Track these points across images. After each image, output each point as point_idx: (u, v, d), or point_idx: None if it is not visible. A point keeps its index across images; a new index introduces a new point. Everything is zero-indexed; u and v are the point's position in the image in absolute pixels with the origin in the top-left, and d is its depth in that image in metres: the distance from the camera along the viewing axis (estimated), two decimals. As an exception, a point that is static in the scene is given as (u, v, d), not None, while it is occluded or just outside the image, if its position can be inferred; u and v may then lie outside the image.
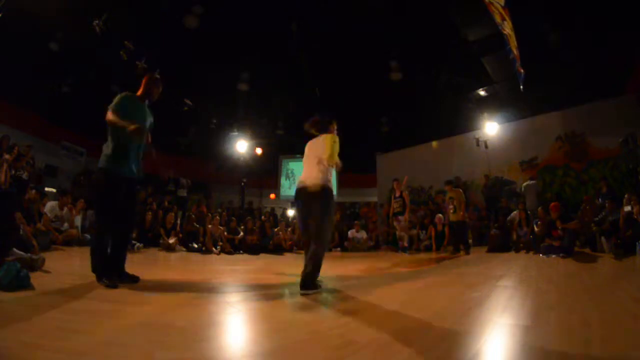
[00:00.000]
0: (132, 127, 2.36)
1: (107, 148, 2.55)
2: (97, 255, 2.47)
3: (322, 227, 2.56)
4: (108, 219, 2.52)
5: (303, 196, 2.65)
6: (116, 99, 2.60)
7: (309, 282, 2.43)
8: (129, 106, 2.63)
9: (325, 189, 2.60)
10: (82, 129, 9.41)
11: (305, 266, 2.47)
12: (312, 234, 2.59)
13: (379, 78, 8.90)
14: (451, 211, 6.61)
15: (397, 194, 6.81)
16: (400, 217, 6.75)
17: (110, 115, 2.49)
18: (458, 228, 6.56)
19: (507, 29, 5.54)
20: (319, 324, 1.63)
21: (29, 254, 2.74)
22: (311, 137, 2.93)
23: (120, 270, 2.61)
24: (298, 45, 8.05)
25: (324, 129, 2.84)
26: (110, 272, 2.51)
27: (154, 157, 2.89)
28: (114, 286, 2.31)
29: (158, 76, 2.88)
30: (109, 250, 2.54)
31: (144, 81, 2.80)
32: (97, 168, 2.56)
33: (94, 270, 2.45)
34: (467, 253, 6.21)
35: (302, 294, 2.33)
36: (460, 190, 6.93)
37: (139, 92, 2.76)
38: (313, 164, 2.70)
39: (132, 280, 2.57)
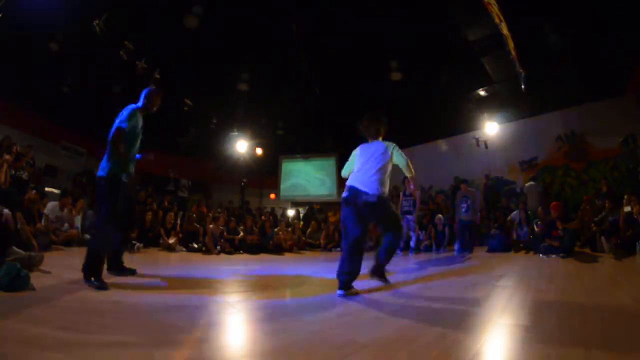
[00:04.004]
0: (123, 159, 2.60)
1: (110, 156, 2.64)
2: (99, 258, 2.51)
3: (392, 220, 2.69)
4: (115, 223, 2.66)
5: (359, 203, 2.58)
6: (128, 117, 2.65)
7: (380, 269, 2.69)
8: (135, 122, 2.74)
9: (382, 199, 2.59)
10: (82, 129, 9.41)
11: (378, 255, 2.68)
12: (385, 228, 2.71)
13: (379, 78, 8.90)
14: (463, 210, 6.50)
15: (408, 192, 6.54)
16: (409, 217, 6.61)
17: (119, 137, 2.57)
18: (470, 228, 6.47)
19: (505, 29, 5.57)
20: (319, 323, 1.63)
21: (27, 252, 2.73)
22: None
23: (120, 265, 2.87)
24: (298, 45, 8.05)
25: (375, 134, 2.92)
26: (111, 268, 2.79)
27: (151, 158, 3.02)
28: (104, 288, 2.32)
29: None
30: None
31: (147, 95, 2.89)
32: (103, 176, 2.61)
33: (91, 271, 2.42)
34: (470, 252, 6.24)
35: (369, 277, 2.65)
36: (475, 191, 6.88)
37: (142, 106, 2.87)
38: (372, 172, 2.66)
39: (131, 273, 2.83)
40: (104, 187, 2.59)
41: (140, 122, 2.84)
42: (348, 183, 2.72)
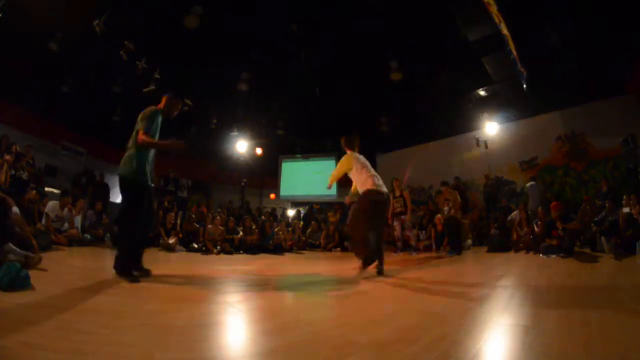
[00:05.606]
0: (176, 144, 2.83)
1: (130, 161, 2.75)
2: (127, 255, 2.75)
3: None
4: (137, 224, 2.81)
5: (385, 201, 3.31)
6: (147, 117, 2.78)
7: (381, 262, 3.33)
8: (157, 122, 2.86)
9: None
10: (82, 129, 9.41)
11: (381, 247, 3.34)
12: (380, 227, 3.41)
13: (379, 78, 8.90)
14: (445, 212, 6.71)
15: (397, 194, 6.71)
16: (403, 217, 6.72)
17: (146, 138, 2.71)
18: (452, 224, 6.55)
19: (505, 30, 5.58)
20: (319, 324, 1.63)
21: (25, 252, 2.71)
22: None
23: (139, 264, 2.93)
24: (298, 45, 8.05)
25: (356, 147, 3.62)
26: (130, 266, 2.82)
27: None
28: (137, 281, 2.58)
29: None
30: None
31: (169, 100, 3.04)
32: (124, 178, 2.75)
33: (122, 269, 2.68)
34: (459, 253, 6.05)
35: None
36: (456, 192, 6.96)
37: (163, 109, 3.00)
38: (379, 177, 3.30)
39: (147, 274, 2.89)
40: (123, 186, 2.76)
41: (158, 124, 2.95)
42: (379, 188, 3.24)
